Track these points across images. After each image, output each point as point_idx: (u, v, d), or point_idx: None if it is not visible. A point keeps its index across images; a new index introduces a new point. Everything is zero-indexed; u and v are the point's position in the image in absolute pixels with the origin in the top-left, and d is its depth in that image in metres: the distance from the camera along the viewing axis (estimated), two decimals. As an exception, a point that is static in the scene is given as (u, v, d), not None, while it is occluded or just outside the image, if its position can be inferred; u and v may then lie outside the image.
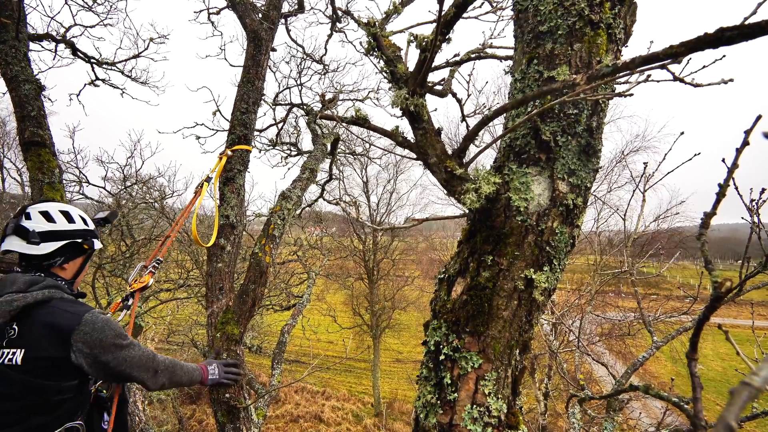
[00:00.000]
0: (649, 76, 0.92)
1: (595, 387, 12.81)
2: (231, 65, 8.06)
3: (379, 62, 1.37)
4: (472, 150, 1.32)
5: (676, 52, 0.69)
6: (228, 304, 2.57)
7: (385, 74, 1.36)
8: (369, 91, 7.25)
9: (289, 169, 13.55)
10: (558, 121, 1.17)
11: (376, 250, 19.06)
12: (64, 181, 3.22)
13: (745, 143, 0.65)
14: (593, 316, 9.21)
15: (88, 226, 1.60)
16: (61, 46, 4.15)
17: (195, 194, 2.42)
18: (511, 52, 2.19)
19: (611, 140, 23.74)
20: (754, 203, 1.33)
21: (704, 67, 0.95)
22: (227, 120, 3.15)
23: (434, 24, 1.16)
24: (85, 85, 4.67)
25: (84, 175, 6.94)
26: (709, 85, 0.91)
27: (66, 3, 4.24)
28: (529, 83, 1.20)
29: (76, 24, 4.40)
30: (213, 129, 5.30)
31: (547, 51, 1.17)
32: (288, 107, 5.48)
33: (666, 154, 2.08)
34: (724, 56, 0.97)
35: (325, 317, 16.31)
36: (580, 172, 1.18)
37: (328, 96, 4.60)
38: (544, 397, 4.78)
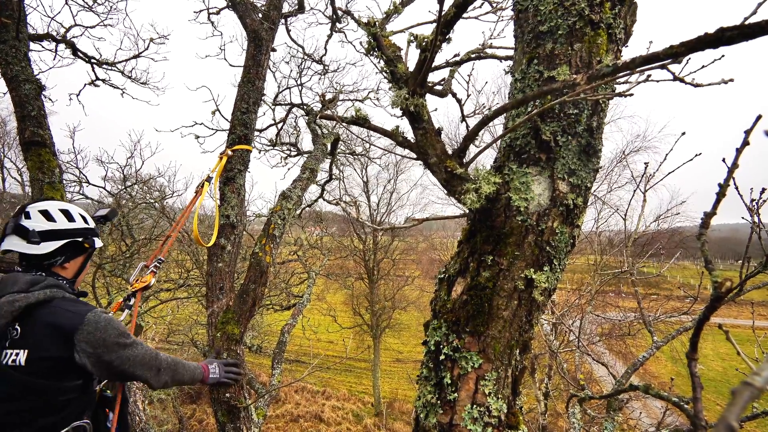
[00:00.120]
0: (649, 76, 0.92)
1: (595, 387, 12.80)
2: (231, 65, 8.08)
3: (379, 62, 1.37)
4: (472, 150, 1.32)
5: (677, 52, 0.69)
6: (228, 304, 2.58)
7: (385, 74, 1.36)
8: (369, 91, 7.25)
9: (289, 169, 13.57)
10: (558, 121, 1.17)
11: (376, 249, 19.06)
12: (64, 181, 3.22)
13: (745, 143, 0.65)
14: (593, 316, 9.21)
15: (88, 224, 1.59)
16: (62, 46, 4.15)
17: (196, 194, 2.42)
18: (511, 52, 2.19)
19: (612, 140, 23.79)
20: (754, 203, 1.32)
21: (704, 66, 0.95)
22: (227, 120, 3.15)
23: (434, 24, 1.16)
24: (85, 85, 4.67)
25: (84, 175, 6.96)
26: (710, 85, 0.91)
27: (66, 3, 4.25)
28: (529, 83, 1.20)
29: (76, 24, 4.41)
30: (212, 129, 5.31)
31: (547, 51, 1.17)
32: (288, 107, 5.48)
33: (667, 155, 2.08)
34: (723, 56, 0.97)
35: (326, 317, 16.33)
36: (581, 172, 1.18)
37: (328, 96, 4.61)
38: (544, 397, 4.78)
